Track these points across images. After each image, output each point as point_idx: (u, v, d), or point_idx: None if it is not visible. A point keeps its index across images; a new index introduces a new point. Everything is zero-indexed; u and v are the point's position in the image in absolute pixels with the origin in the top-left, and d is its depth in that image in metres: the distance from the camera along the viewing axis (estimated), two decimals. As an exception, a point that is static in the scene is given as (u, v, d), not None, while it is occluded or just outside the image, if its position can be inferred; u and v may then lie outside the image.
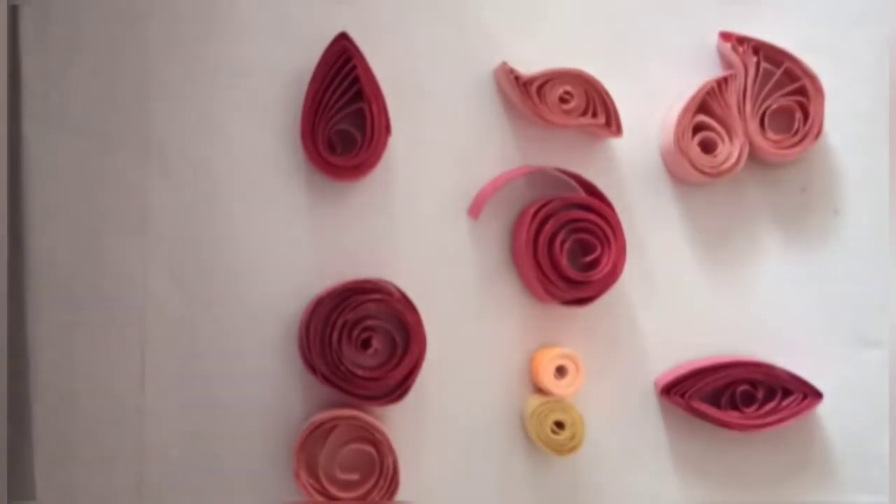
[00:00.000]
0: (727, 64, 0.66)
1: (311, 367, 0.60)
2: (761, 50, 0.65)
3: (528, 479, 0.64)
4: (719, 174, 0.64)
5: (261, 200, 0.61)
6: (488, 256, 0.64)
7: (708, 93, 0.64)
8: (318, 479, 0.60)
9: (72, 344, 0.59)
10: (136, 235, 0.60)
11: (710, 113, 0.65)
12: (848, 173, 0.67)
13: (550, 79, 0.62)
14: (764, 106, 0.65)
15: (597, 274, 0.62)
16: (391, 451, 0.60)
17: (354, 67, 0.60)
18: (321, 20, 0.61)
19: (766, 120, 0.65)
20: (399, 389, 0.60)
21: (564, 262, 0.62)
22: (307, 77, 0.60)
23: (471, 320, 0.63)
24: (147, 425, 0.60)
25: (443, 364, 0.62)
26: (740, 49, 0.65)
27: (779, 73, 0.65)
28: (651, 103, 0.66)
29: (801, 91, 0.65)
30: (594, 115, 0.63)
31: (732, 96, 0.64)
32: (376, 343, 0.61)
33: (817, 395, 0.64)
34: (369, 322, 0.60)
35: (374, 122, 0.60)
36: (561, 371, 0.62)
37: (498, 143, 0.64)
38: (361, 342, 0.60)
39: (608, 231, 0.62)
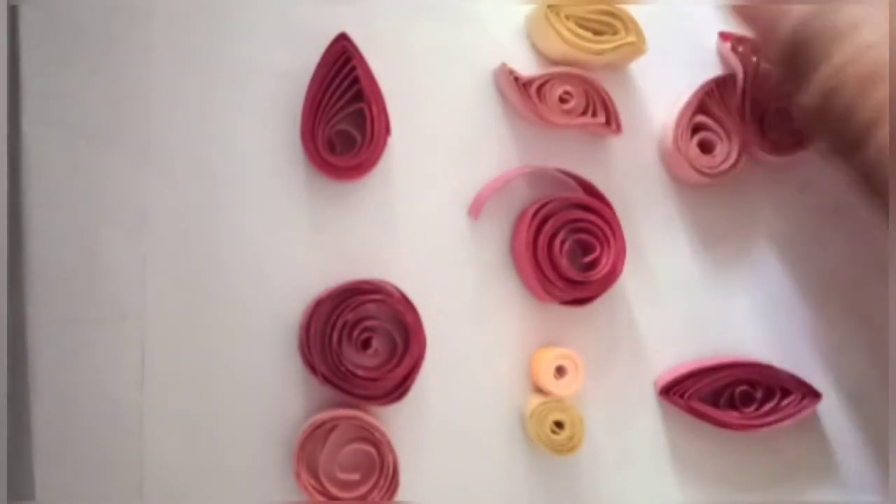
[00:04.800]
0: (726, 64, 0.67)
1: (312, 368, 0.60)
2: (760, 50, 0.65)
3: (528, 479, 0.64)
4: (718, 174, 0.64)
5: (261, 200, 0.61)
6: (488, 256, 0.64)
7: (707, 93, 0.64)
8: (318, 479, 0.60)
9: (72, 344, 0.59)
10: (136, 235, 0.60)
11: (709, 113, 0.65)
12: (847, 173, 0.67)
13: (550, 79, 0.63)
14: (763, 106, 0.65)
15: (596, 274, 0.62)
16: (391, 450, 0.60)
17: (354, 68, 0.60)
18: (321, 20, 0.61)
19: (766, 120, 0.65)
20: (399, 389, 0.60)
21: (564, 262, 0.62)
22: (307, 77, 0.60)
23: (471, 320, 0.63)
24: (147, 425, 0.60)
25: (443, 364, 0.62)
26: (739, 49, 0.65)
27: (778, 73, 0.65)
28: (651, 103, 0.66)
29: (801, 91, 0.65)
30: (594, 114, 0.63)
31: (731, 96, 0.65)
32: (376, 343, 0.61)
33: (816, 395, 0.65)
34: (369, 322, 0.60)
35: (373, 123, 0.60)
36: (560, 371, 0.62)
37: (498, 143, 0.64)
38: (361, 342, 0.60)
39: (608, 231, 0.63)
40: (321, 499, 0.59)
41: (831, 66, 0.49)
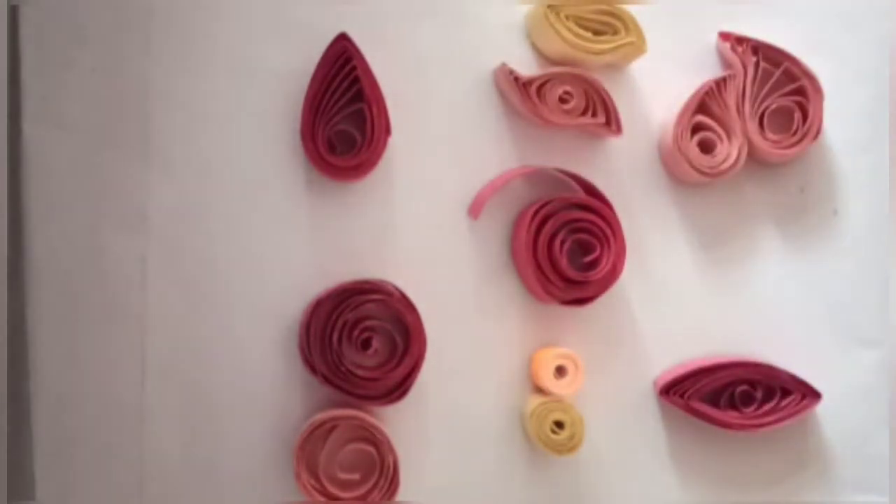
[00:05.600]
0: (726, 64, 0.67)
1: (312, 368, 0.60)
2: (760, 50, 0.65)
3: (528, 479, 0.64)
4: (718, 174, 0.64)
5: (261, 200, 0.61)
6: (488, 256, 0.64)
7: (707, 93, 0.64)
8: (318, 479, 0.60)
9: (72, 344, 0.59)
10: (136, 235, 0.60)
11: (709, 113, 0.65)
12: (847, 173, 0.67)
13: (550, 79, 0.63)
14: (763, 106, 0.65)
15: (596, 274, 0.62)
16: (391, 450, 0.60)
17: (354, 68, 0.60)
18: (321, 20, 0.61)
19: (765, 120, 0.65)
20: (399, 389, 0.60)
21: (564, 262, 0.62)
22: (307, 77, 0.60)
23: (471, 320, 0.63)
24: (147, 425, 0.60)
25: (443, 364, 0.62)
26: (739, 49, 0.65)
27: (778, 73, 0.65)
28: (651, 103, 0.66)
29: (800, 91, 0.65)
30: (594, 114, 0.63)
31: (731, 96, 0.65)
32: (376, 343, 0.61)
33: (816, 395, 0.65)
34: (369, 322, 0.60)
35: (374, 123, 0.60)
36: (560, 371, 0.62)
37: (498, 143, 0.64)
38: (361, 342, 0.60)
39: (608, 231, 0.63)
40: (321, 499, 0.59)
41: None
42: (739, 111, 0.65)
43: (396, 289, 0.61)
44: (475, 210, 0.63)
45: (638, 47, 0.63)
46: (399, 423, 0.62)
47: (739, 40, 0.65)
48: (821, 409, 0.65)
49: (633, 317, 0.65)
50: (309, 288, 0.61)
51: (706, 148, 0.65)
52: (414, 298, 0.61)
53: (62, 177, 0.59)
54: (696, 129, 0.65)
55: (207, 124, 0.61)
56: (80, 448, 0.59)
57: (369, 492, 0.60)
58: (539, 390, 0.64)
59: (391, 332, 0.61)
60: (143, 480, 0.60)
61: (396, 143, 0.62)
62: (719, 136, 0.65)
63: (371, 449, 0.60)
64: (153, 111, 0.61)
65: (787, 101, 0.65)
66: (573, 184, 0.64)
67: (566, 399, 0.62)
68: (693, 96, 0.64)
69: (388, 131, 0.61)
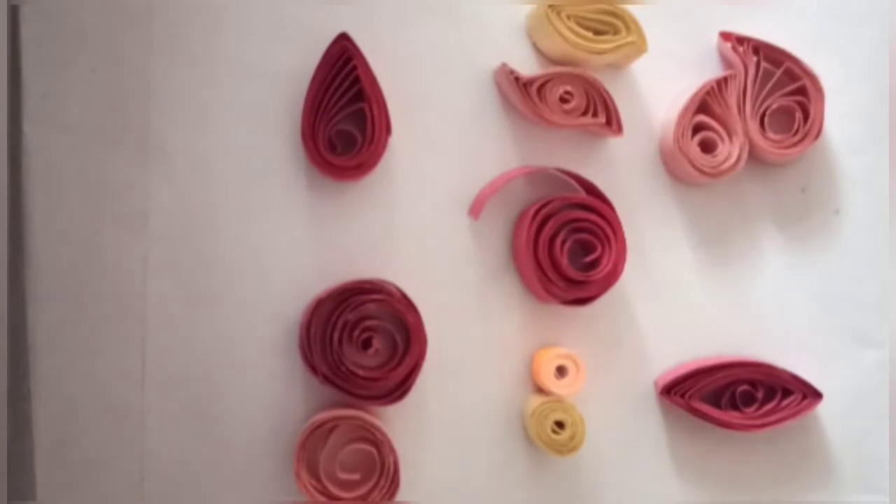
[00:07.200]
0: (727, 64, 0.66)
1: (312, 368, 0.60)
2: (761, 50, 0.65)
3: (528, 479, 0.64)
4: (719, 174, 0.64)
5: (261, 200, 0.61)
6: (488, 256, 0.64)
7: (708, 92, 0.64)
8: (318, 479, 0.60)
9: (72, 344, 0.59)
10: (136, 235, 0.60)
11: (710, 113, 0.65)
12: (848, 173, 0.67)
13: (551, 79, 0.62)
14: (764, 106, 0.65)
15: (597, 274, 0.62)
16: (392, 450, 0.60)
17: (355, 68, 0.60)
18: (321, 20, 0.61)
19: (766, 120, 0.65)
20: (400, 389, 0.60)
21: (565, 261, 0.62)
22: (307, 77, 0.60)
23: (471, 320, 0.63)
24: (147, 425, 0.60)
25: (443, 364, 0.62)
26: (740, 49, 0.65)
27: (779, 72, 0.65)
28: (651, 103, 0.66)
29: (802, 91, 0.65)
30: (595, 114, 0.63)
31: (732, 96, 0.64)
32: (377, 343, 0.61)
33: (817, 395, 0.64)
34: (370, 322, 0.60)
35: (374, 123, 0.60)
36: (561, 371, 0.62)
37: (498, 143, 0.64)
38: (362, 342, 0.60)
39: (608, 231, 0.62)
40: (321, 499, 0.59)
41: None
42: (740, 111, 0.65)
43: (397, 289, 0.61)
44: (476, 210, 0.63)
45: (639, 47, 0.63)
46: (399, 423, 0.62)
47: (740, 40, 0.65)
48: (821, 408, 0.65)
49: (633, 317, 0.65)
50: (309, 288, 0.61)
51: (707, 148, 0.65)
52: (414, 298, 0.61)
53: (62, 177, 0.59)
54: (697, 128, 0.65)
55: (207, 124, 0.61)
56: (80, 448, 0.60)
57: (370, 492, 0.60)
58: (540, 390, 0.64)
59: (392, 332, 0.61)
60: (143, 480, 0.60)
61: (396, 143, 0.62)
62: (720, 136, 0.65)
63: (371, 449, 0.60)
64: (154, 111, 0.61)
65: (788, 101, 0.65)
66: (574, 183, 0.64)
67: (567, 399, 0.62)
68: (694, 96, 0.64)
69: (388, 131, 0.61)
